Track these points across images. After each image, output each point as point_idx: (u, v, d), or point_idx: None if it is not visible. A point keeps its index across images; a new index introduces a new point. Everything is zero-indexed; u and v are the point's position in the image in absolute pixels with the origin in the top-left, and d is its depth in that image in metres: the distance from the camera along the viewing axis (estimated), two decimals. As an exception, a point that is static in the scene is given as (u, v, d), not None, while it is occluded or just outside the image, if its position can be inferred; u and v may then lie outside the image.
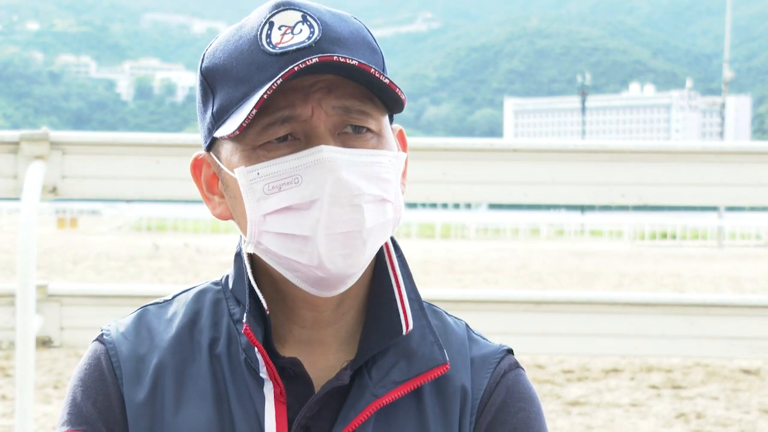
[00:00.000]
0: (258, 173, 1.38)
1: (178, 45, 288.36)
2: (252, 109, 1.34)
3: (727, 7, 62.71)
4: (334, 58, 1.33)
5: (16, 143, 3.71)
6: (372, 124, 1.40)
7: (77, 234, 42.32)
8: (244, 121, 1.35)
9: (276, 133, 1.37)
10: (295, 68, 1.33)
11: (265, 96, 1.33)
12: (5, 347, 3.83)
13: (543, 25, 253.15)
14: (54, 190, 3.72)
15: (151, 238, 39.07)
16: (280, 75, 1.33)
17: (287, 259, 1.39)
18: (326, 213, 1.35)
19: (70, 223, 48.54)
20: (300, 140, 1.38)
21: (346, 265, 1.38)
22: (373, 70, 1.34)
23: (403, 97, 1.38)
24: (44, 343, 3.82)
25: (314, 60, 1.33)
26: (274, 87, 1.33)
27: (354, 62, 1.34)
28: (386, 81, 1.35)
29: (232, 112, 1.39)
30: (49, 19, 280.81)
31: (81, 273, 20.69)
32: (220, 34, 1.46)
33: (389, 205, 1.41)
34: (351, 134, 1.39)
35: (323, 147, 1.35)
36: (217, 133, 1.41)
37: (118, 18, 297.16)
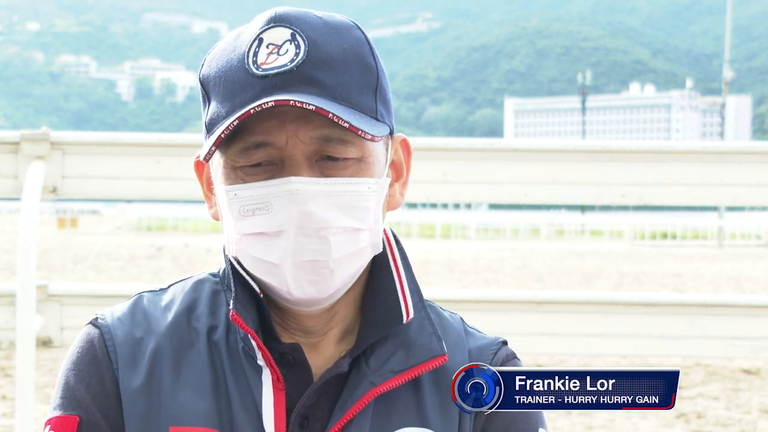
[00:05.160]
0: (235, 194, 1.39)
1: (179, 45, 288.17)
2: (221, 134, 1.35)
3: (727, 7, 62.74)
4: (291, 102, 1.32)
5: (17, 143, 3.71)
6: (352, 153, 1.39)
7: (77, 234, 42.28)
8: (212, 146, 1.37)
9: (251, 157, 1.38)
10: (251, 111, 1.33)
11: (231, 126, 1.34)
12: (5, 347, 3.83)
13: (543, 25, 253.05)
14: (54, 190, 3.72)
15: (151, 238, 39.03)
16: (236, 116, 1.34)
17: (260, 279, 1.42)
18: (293, 243, 1.37)
19: (70, 223, 48.50)
20: (277, 165, 1.38)
21: (315, 291, 1.40)
22: (331, 114, 1.33)
23: (368, 137, 1.36)
24: (44, 343, 3.82)
25: (270, 104, 1.32)
26: (231, 127, 1.34)
27: (311, 107, 1.32)
28: (346, 125, 1.34)
29: (216, 128, 1.39)
30: (49, 19, 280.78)
31: (81, 273, 20.67)
32: (222, 39, 1.46)
33: (364, 233, 1.41)
34: (328, 162, 1.38)
35: (291, 179, 1.36)
36: (204, 145, 1.41)
37: (118, 18, 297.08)
